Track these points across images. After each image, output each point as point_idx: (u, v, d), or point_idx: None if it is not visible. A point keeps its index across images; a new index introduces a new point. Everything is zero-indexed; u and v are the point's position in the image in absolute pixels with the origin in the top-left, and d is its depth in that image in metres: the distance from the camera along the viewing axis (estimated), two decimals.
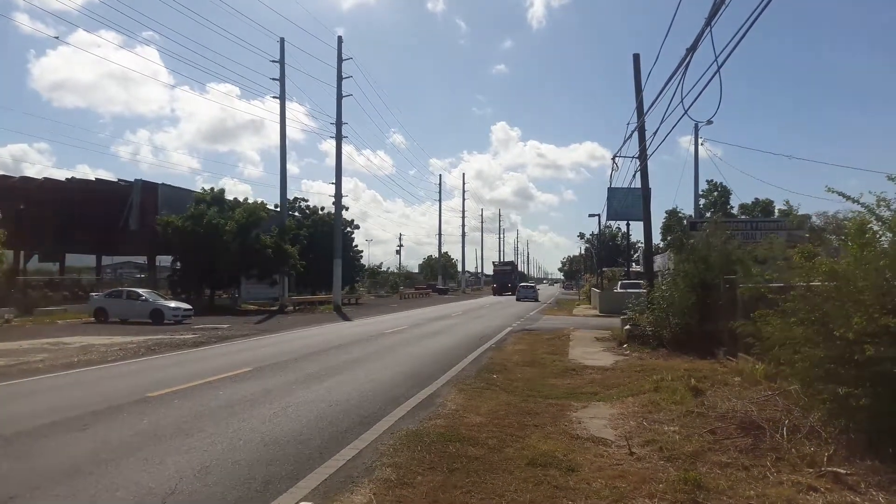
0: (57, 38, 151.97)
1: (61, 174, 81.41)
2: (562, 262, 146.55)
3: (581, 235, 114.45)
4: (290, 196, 53.89)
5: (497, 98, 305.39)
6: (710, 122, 28.62)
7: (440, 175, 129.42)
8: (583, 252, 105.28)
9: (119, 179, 46.51)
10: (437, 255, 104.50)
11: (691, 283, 15.32)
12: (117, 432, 7.79)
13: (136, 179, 44.03)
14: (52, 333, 22.97)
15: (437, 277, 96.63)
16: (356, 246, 63.35)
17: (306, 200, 58.56)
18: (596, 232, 68.74)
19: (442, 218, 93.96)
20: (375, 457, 6.59)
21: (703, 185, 50.18)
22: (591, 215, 68.20)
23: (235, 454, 6.80)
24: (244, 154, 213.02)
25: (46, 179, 45.60)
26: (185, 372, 13.18)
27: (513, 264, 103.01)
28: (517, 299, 60.95)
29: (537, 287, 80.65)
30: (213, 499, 5.47)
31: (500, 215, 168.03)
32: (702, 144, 41.54)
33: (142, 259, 64.23)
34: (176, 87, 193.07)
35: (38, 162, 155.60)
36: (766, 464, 6.10)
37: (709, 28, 10.24)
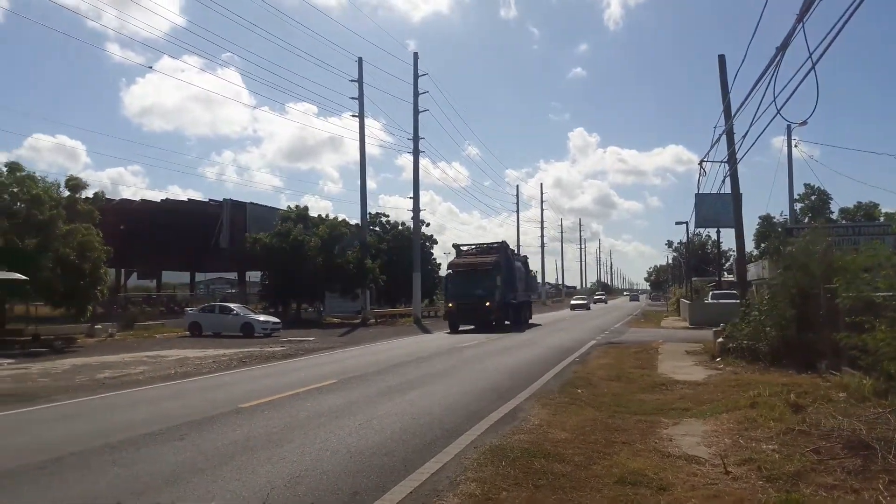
0: (150, 67, 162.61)
1: (155, 195, 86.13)
2: (648, 272, 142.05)
3: (668, 244, 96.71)
4: (370, 211, 55.06)
5: (574, 103, 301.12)
6: (804, 122, 27.19)
7: (517, 185, 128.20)
8: (670, 261, 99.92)
9: (210, 199, 48.82)
10: None
11: (790, 293, 14.52)
12: (212, 442, 8.09)
13: (225, 199, 46.14)
14: (150, 347, 24.25)
15: None
16: (434, 259, 63.86)
17: (387, 216, 59.49)
18: (684, 240, 65.31)
19: (520, 229, 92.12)
20: (459, 471, 6.54)
21: (798, 189, 47.44)
22: (678, 223, 57.64)
23: (323, 465, 6.91)
24: (324, 171, 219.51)
25: (143, 201, 48.39)
26: (275, 383, 13.59)
27: (501, 250, 35.46)
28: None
29: (590, 302, 70.74)
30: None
31: (580, 225, 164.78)
32: (795, 146, 39.48)
33: (232, 275, 67.14)
34: (257, 108, 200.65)
35: (133, 184, 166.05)
36: (878, 486, 5.66)
37: (801, 24, 9.78)
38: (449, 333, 30.20)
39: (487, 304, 30.65)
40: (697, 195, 27.72)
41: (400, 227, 58.40)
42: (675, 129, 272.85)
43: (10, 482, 6.46)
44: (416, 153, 43.92)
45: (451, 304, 32.46)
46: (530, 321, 37.22)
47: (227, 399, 11.48)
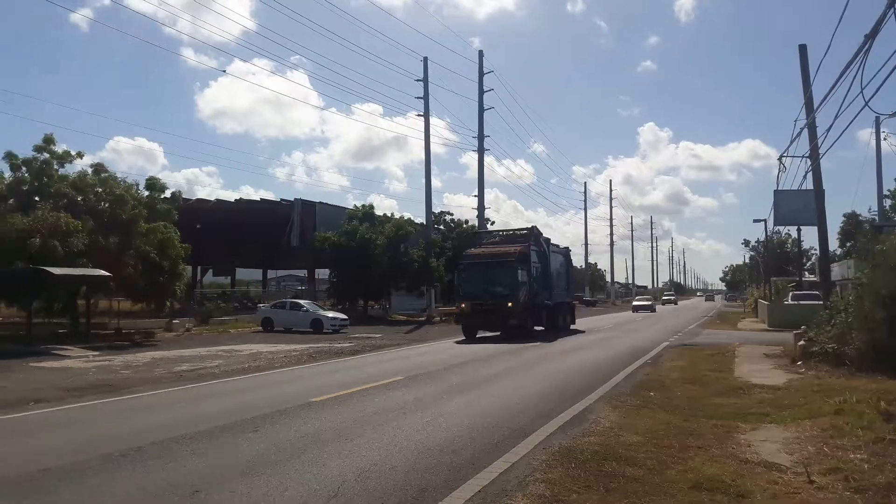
0: (224, 71, 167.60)
1: (229, 195, 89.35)
2: (723, 272, 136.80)
3: (745, 242, 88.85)
4: (434, 210, 55.35)
5: (644, 98, 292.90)
6: (895, 114, 25.64)
7: (584, 182, 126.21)
8: (747, 260, 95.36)
9: (281, 199, 50.15)
10: (583, 266, 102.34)
11: (879, 294, 13.72)
12: (284, 434, 8.27)
13: (295, 199, 47.30)
14: (225, 341, 25.09)
15: (584, 289, 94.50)
16: None
17: (451, 214, 59.57)
18: (762, 238, 62.24)
19: (588, 227, 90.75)
20: (528, 471, 6.45)
21: (888, 184, 44.66)
22: (755, 220, 53.53)
23: (392, 460, 6.96)
24: (389, 170, 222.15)
25: (218, 201, 50.12)
26: (343, 379, 13.82)
27: (530, 238, 28.79)
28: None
29: (654, 303, 65.39)
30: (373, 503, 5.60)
31: (651, 222, 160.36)
32: (884, 139, 37.28)
33: (302, 272, 68.84)
34: (324, 110, 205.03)
35: (208, 184, 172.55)
36: None
37: (891, 10, 9.23)
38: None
39: (509, 304, 24.76)
40: (776, 192, 26.57)
41: (464, 226, 58.48)
42: (751, 122, 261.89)
43: (96, 468, 6.76)
44: (480, 151, 43.98)
45: (462, 305, 26.30)
46: (572, 326, 31.84)
47: (299, 393, 11.74)
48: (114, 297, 31.52)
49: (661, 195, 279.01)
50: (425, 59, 43.45)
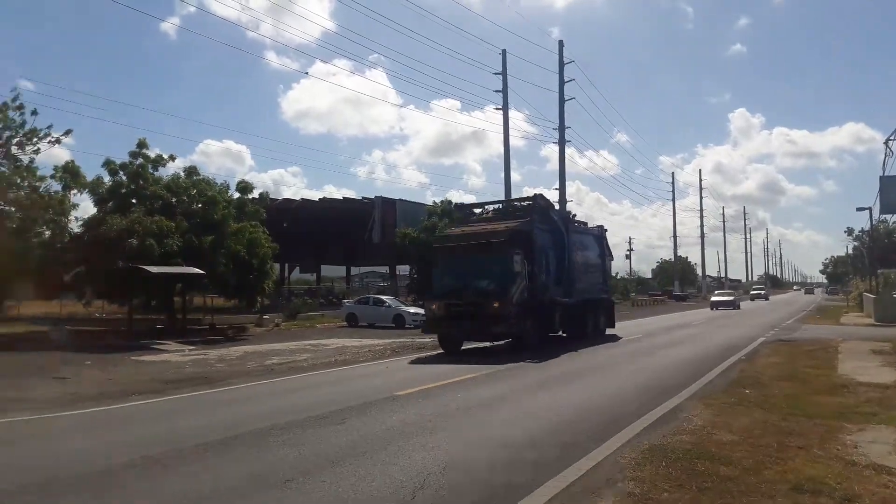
0: (306, 73, 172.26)
1: (313, 194, 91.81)
2: (823, 264, 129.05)
3: (848, 231, 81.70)
4: None
5: (734, 83, 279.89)
6: None
7: (672, 173, 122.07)
8: (850, 251, 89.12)
9: (362, 197, 51.19)
10: (671, 259, 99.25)
11: None
12: (370, 427, 8.41)
13: (376, 196, 48.12)
14: (312, 336, 25.83)
15: (673, 283, 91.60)
16: None
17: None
18: (867, 227, 57.94)
19: (676, 218, 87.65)
20: (616, 469, 6.29)
21: None
22: (859, 209, 49.36)
23: (475, 454, 6.95)
24: (467, 165, 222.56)
25: (303, 200, 51.69)
26: (427, 373, 13.95)
27: (533, 212, 21.23)
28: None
29: (736, 298, 54.88)
30: (459, 497, 5.59)
31: (744, 213, 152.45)
32: None
33: (384, 268, 70.03)
34: (403, 107, 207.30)
35: (292, 184, 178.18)
36: None
37: None
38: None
39: (495, 304, 17.36)
40: (883, 178, 25.01)
41: None
42: (854, 105, 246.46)
43: (195, 456, 7.10)
44: (561, 143, 43.32)
45: (434, 306, 18.93)
46: (608, 331, 24.43)
47: (383, 386, 11.94)
48: (207, 293, 33.00)
49: (755, 184, 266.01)
50: (503, 52, 43.18)
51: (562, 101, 43.46)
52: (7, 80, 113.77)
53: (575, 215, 25.14)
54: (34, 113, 20.64)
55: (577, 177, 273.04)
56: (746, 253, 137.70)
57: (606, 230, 27.73)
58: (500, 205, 22.91)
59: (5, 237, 20.76)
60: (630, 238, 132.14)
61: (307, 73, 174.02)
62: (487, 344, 19.64)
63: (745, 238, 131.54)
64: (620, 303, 65.27)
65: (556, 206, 24.76)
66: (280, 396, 11.54)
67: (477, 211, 22.78)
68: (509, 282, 17.78)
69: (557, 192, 44.17)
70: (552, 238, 21.00)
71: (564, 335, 21.67)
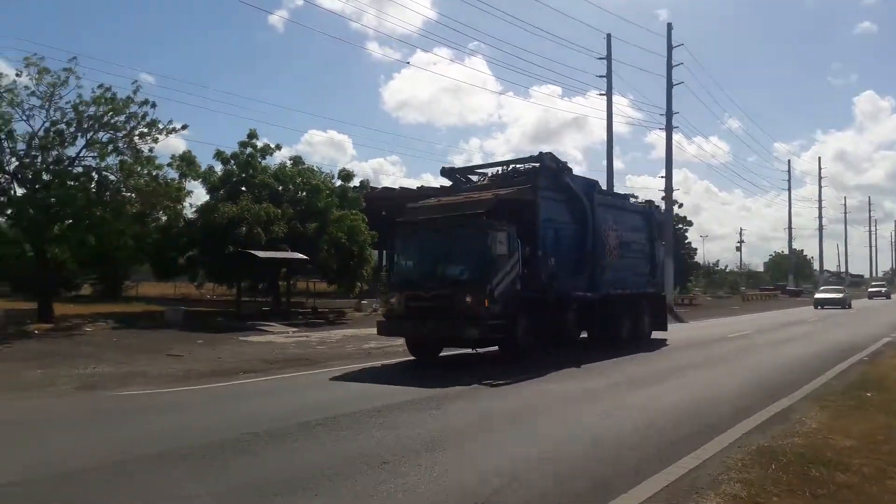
0: (408, 63, 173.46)
1: (411, 183, 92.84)
2: None
3: None
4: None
5: (860, 63, 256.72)
6: None
7: (788, 160, 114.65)
8: None
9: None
10: (786, 252, 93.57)
11: None
12: (463, 414, 8.52)
13: None
14: None
15: (787, 277, 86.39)
16: (689, 243, 60.29)
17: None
18: None
19: (791, 209, 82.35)
20: (722, 470, 5.97)
21: None
22: None
23: (569, 447, 6.88)
24: (567, 153, 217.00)
25: (402, 188, 52.45)
26: (519, 367, 13.64)
27: (537, 175, 15.72)
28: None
29: (847, 296, 46.18)
30: (563, 490, 5.49)
31: (869, 203, 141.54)
32: None
33: None
34: (502, 94, 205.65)
35: (392, 173, 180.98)
36: None
37: None
38: (703, 324, 19.88)
39: (468, 298, 12.85)
40: None
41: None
42: None
43: (296, 434, 7.35)
44: (668, 129, 41.72)
45: (392, 300, 14.47)
46: (654, 334, 19.24)
47: (476, 375, 11.88)
48: (310, 278, 34.22)
49: (882, 173, 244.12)
50: (608, 36, 41.95)
51: (669, 86, 41.84)
52: (129, 74, 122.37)
53: (594, 182, 18.37)
54: (153, 105, 21.89)
55: (684, 164, 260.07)
56: (871, 247, 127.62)
57: (658, 206, 22.34)
58: (502, 168, 17.33)
59: (127, 222, 22.28)
60: (741, 229, 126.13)
61: (408, 62, 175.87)
62: (471, 350, 14.67)
63: (870, 231, 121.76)
64: (728, 298, 62.49)
65: (607, 185, 19.87)
66: (377, 379, 11.76)
67: (474, 178, 17.70)
68: (489, 268, 13.12)
69: (664, 179, 42.68)
70: (567, 211, 16.20)
71: (586, 339, 17.31)
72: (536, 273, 14.39)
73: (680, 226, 56.43)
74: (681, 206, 56.23)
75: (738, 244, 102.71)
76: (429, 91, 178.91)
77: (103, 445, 7.04)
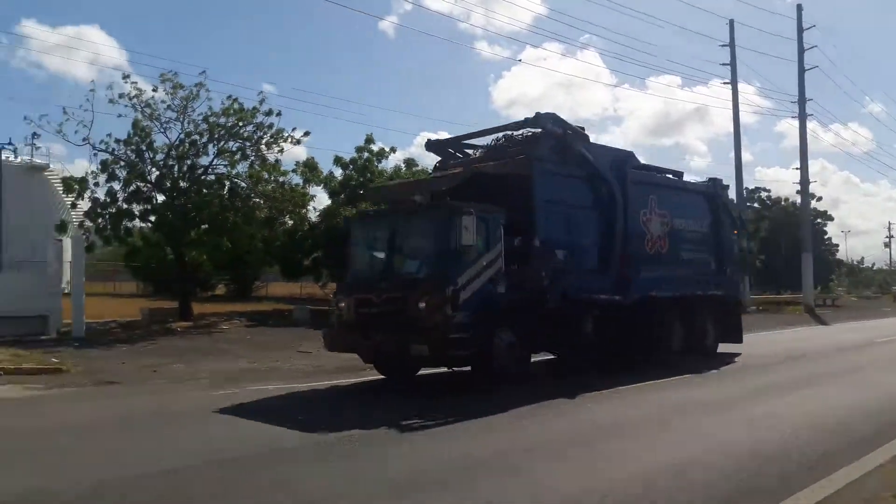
0: (519, 60, 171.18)
1: None
2: None
3: None
4: (746, 185, 50.45)
5: None
6: None
7: None
8: None
9: None
10: None
11: None
12: (602, 416, 8.19)
13: None
14: None
15: None
16: (828, 238, 55.93)
17: (767, 190, 53.93)
18: None
19: None
20: (880, 486, 5.37)
21: None
22: None
23: (707, 458, 6.44)
24: (689, 145, 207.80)
25: None
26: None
27: (537, 141, 12.34)
28: None
29: None
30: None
31: None
32: None
33: None
34: (617, 87, 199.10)
35: None
36: None
37: None
38: (849, 326, 18.63)
39: (421, 304, 9.74)
40: None
41: (783, 203, 52.57)
42: None
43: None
44: (802, 116, 38.88)
45: (342, 304, 10.99)
46: (722, 348, 15.15)
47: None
48: None
49: None
50: (731, 22, 39.67)
51: (801, 71, 38.94)
52: (253, 84, 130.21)
53: (629, 154, 14.25)
54: (278, 114, 22.90)
55: (820, 154, 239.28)
56: None
57: (727, 185, 17.29)
58: (500, 137, 13.57)
59: (257, 226, 23.48)
60: (889, 223, 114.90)
61: (519, 59, 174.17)
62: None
63: None
64: (876, 298, 56.65)
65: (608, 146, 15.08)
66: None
67: (469, 151, 14.23)
68: (452, 264, 10.07)
69: (798, 171, 39.82)
70: (583, 190, 12.66)
71: (627, 353, 13.47)
72: (532, 270, 11.06)
73: (818, 220, 52.47)
74: (819, 199, 52.28)
75: (887, 239, 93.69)
76: (539, 87, 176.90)
77: (254, 435, 7.52)
